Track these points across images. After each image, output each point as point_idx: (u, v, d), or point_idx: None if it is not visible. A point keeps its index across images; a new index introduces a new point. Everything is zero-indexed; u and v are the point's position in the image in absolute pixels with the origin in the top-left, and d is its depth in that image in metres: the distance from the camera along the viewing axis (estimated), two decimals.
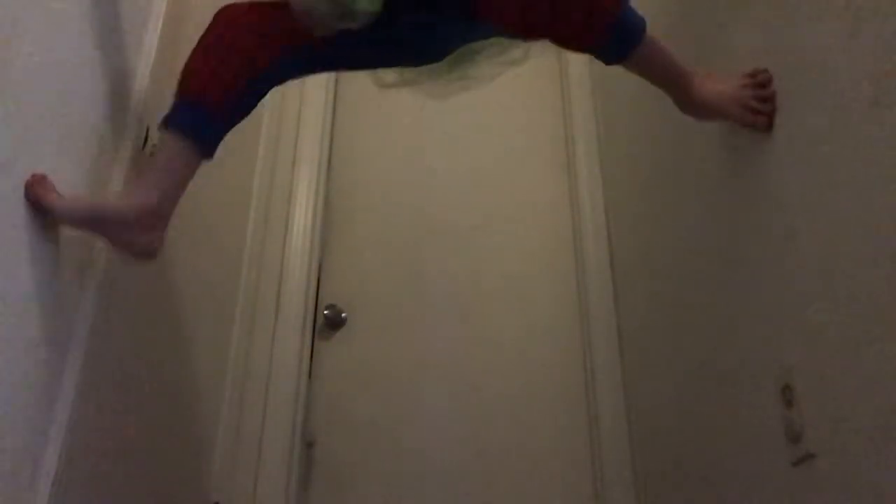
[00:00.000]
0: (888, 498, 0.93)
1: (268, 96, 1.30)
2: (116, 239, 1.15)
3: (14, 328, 0.98)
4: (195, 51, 1.22)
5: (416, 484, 2.14)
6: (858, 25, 1.03)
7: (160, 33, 1.47)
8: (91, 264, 1.21)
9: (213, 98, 1.18)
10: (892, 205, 0.95)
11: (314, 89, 2.65)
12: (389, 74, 1.44)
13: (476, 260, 2.46)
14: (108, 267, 1.24)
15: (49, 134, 1.09)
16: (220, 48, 1.21)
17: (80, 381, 1.14)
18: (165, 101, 1.22)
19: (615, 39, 1.22)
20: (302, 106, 2.61)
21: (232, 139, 1.25)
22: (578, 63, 2.66)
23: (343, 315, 2.36)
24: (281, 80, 1.31)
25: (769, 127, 1.27)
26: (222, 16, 1.25)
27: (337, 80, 2.74)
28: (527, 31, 1.27)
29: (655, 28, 1.26)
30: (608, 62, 1.27)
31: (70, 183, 1.12)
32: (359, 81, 2.62)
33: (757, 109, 1.28)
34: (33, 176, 1.03)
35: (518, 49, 1.39)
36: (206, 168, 1.23)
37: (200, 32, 1.24)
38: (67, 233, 1.12)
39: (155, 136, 1.40)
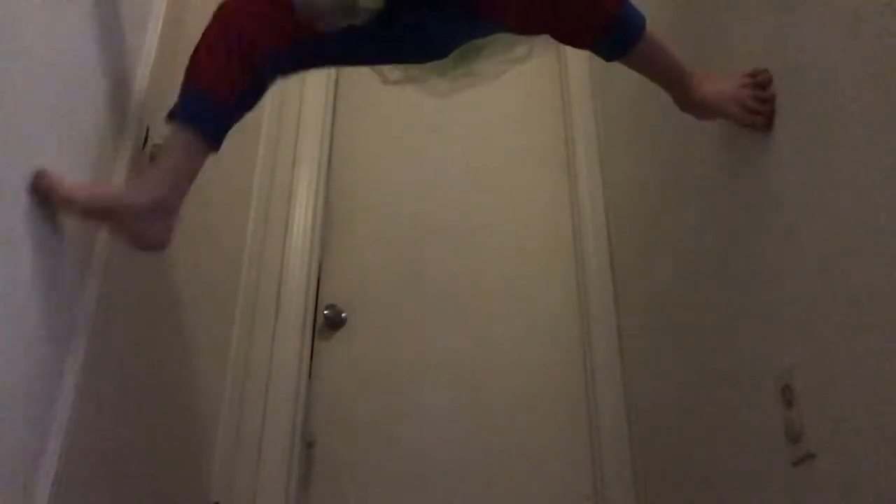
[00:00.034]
0: (888, 498, 0.93)
1: (268, 96, 1.30)
2: (126, 231, 1.16)
3: (14, 328, 0.98)
4: (200, 42, 1.24)
5: (416, 484, 2.14)
6: (858, 25, 1.03)
7: (160, 33, 1.48)
8: (91, 265, 1.21)
9: (219, 88, 1.19)
10: (891, 205, 0.95)
11: (314, 89, 2.65)
12: (394, 71, 1.45)
13: (476, 260, 2.46)
14: (108, 267, 1.24)
15: (49, 134, 1.08)
16: (224, 38, 1.22)
17: (80, 381, 1.14)
18: (165, 101, 1.23)
19: (615, 36, 1.23)
20: (302, 106, 2.61)
21: (232, 139, 1.25)
22: (578, 63, 2.67)
23: (343, 315, 2.36)
24: (285, 70, 1.31)
25: (767, 127, 1.27)
26: (226, 7, 1.26)
27: (337, 80, 2.74)
28: (528, 28, 1.28)
29: (655, 28, 1.27)
30: (608, 59, 1.28)
31: (70, 179, 1.12)
32: (359, 81, 2.64)
33: (756, 110, 1.28)
34: (40, 170, 1.04)
35: (522, 47, 1.40)
36: (206, 168, 1.23)
37: (200, 33, 1.24)
38: (67, 234, 1.12)
39: (155, 136, 1.41)
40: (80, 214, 1.11)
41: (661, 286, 1.88)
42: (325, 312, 2.35)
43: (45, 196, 1.04)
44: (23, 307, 1.00)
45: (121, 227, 1.16)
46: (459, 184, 2.59)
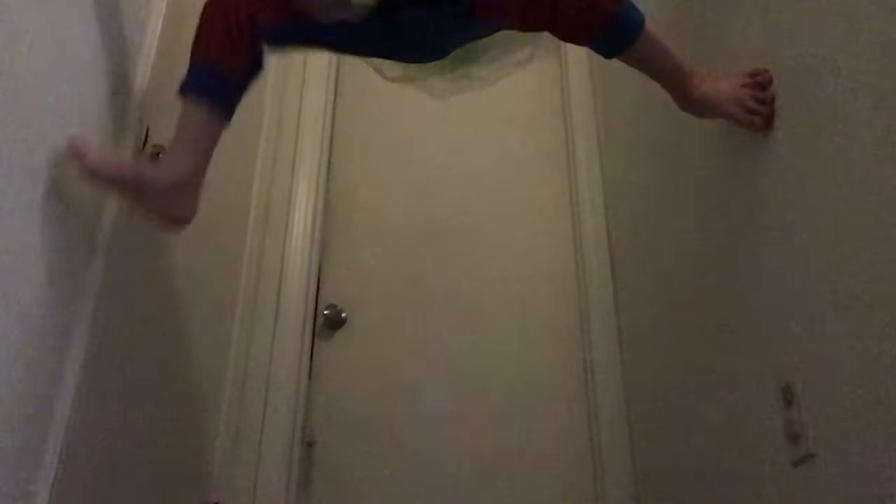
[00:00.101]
0: (888, 498, 0.93)
1: (267, 96, 1.31)
2: (151, 206, 1.20)
3: (14, 328, 0.98)
4: (202, 18, 1.26)
5: (416, 484, 2.14)
6: (858, 25, 1.03)
7: (160, 33, 1.48)
8: (91, 266, 1.21)
9: (226, 61, 1.23)
10: (891, 205, 0.95)
11: (314, 89, 2.65)
12: (392, 69, 1.45)
13: (476, 260, 2.46)
14: (108, 268, 1.24)
15: (49, 134, 1.08)
16: (224, 13, 1.24)
17: (80, 381, 1.14)
18: (165, 101, 1.23)
19: (614, 34, 1.23)
20: (302, 106, 2.61)
21: (232, 139, 1.26)
22: (579, 63, 2.67)
23: (343, 315, 2.36)
24: (284, 42, 1.35)
25: (766, 127, 1.27)
26: None
27: (337, 80, 2.74)
28: (526, 26, 1.29)
29: (655, 27, 1.27)
30: (607, 56, 1.29)
31: (70, 181, 1.12)
32: (359, 81, 2.64)
33: (755, 110, 1.28)
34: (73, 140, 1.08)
35: (523, 51, 1.40)
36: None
37: None
38: (67, 233, 1.12)
39: (155, 136, 1.41)
40: (104, 186, 1.14)
41: (661, 286, 1.88)
42: (325, 312, 2.35)
43: (75, 161, 1.07)
44: (23, 308, 1.00)
45: (144, 204, 1.19)
46: (459, 183, 2.59)
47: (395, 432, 2.21)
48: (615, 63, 1.30)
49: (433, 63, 1.42)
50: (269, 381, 2.16)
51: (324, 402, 2.26)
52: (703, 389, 1.56)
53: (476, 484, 2.14)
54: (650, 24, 1.25)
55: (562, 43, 1.32)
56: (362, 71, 1.52)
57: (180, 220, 1.24)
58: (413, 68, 1.44)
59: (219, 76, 1.22)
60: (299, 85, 2.62)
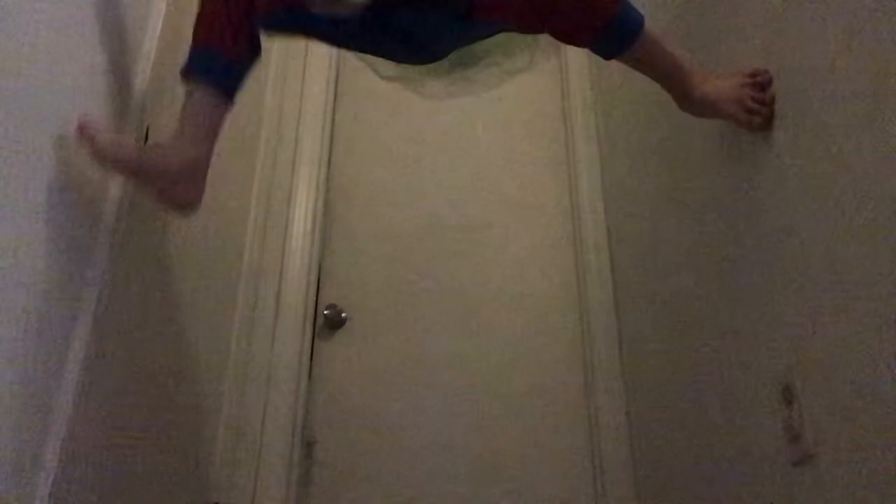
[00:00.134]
0: (888, 498, 0.93)
1: (267, 96, 1.31)
2: (160, 191, 1.19)
3: (14, 328, 0.98)
4: (201, 2, 1.27)
5: (416, 484, 2.14)
6: (858, 25, 1.03)
7: (160, 33, 1.48)
8: (91, 267, 1.21)
9: (227, 44, 1.22)
10: (891, 205, 0.95)
11: (314, 88, 2.65)
12: (388, 68, 1.45)
13: (476, 260, 2.46)
14: (108, 269, 1.24)
15: (49, 134, 1.08)
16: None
17: (80, 381, 1.14)
18: (165, 101, 1.23)
19: (613, 35, 1.23)
20: (302, 105, 2.61)
21: (232, 139, 1.25)
22: (579, 63, 2.67)
23: (343, 315, 2.36)
24: (280, 29, 1.35)
25: (765, 128, 1.27)
26: None
27: (337, 80, 2.74)
28: (525, 27, 1.28)
29: (655, 28, 1.27)
30: (607, 57, 1.28)
31: (70, 182, 1.12)
32: (359, 81, 2.64)
33: (755, 110, 1.28)
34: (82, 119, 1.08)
35: (522, 58, 1.40)
36: None
37: None
38: (67, 234, 1.12)
39: (155, 135, 1.41)
40: (111, 168, 1.14)
41: (661, 286, 1.88)
42: (325, 312, 2.35)
43: (83, 140, 1.08)
44: (23, 309, 1.00)
45: (152, 188, 1.19)
46: (460, 184, 2.59)
47: (395, 432, 2.21)
48: (615, 65, 1.30)
49: (429, 65, 1.42)
50: (269, 381, 2.16)
51: (324, 401, 2.26)
52: (703, 389, 1.56)
53: (476, 484, 2.14)
54: (650, 25, 1.25)
55: (562, 45, 1.32)
56: (362, 71, 1.52)
57: (188, 205, 1.23)
58: (409, 69, 1.44)
59: (221, 58, 1.22)
60: (299, 85, 2.62)
